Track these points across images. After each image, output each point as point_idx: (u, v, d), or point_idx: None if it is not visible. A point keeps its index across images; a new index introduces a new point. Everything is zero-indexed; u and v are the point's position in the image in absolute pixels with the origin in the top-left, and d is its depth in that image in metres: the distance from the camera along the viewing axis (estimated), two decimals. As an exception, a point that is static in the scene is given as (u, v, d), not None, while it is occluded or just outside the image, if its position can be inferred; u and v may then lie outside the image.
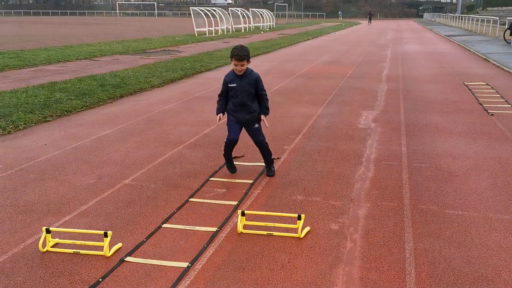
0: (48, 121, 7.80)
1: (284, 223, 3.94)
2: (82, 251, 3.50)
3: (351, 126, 7.38)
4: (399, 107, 8.84)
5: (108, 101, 9.48)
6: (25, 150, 6.15)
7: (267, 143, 5.14)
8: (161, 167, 5.49)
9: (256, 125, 5.04)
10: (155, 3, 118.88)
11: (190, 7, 34.26)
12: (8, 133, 7.01)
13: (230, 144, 5.04)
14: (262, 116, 5.02)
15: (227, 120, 5.06)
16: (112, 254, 3.46)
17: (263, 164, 5.53)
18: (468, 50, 21.15)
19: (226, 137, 5.07)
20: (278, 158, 5.80)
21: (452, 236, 3.75)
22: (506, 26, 23.27)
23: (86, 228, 3.88)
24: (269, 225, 3.88)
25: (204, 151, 6.12)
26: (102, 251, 3.45)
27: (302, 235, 3.76)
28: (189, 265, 3.34)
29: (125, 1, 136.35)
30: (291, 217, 4.01)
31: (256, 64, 16.10)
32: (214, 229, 3.90)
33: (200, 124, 7.58)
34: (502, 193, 4.64)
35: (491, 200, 4.46)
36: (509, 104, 8.89)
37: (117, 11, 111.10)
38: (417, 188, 4.77)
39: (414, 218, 4.08)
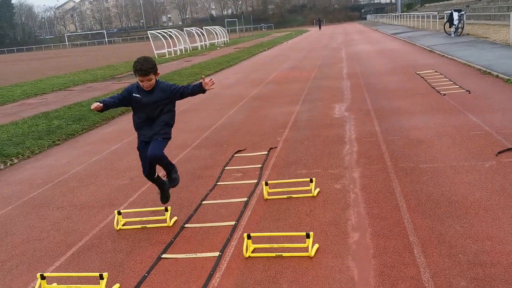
0: (58, 144, 8.58)
1: (299, 187, 5.00)
2: (148, 225, 4.44)
3: (328, 117, 8.54)
4: (365, 98, 10.09)
5: (102, 123, 10.31)
6: (53, 168, 6.97)
7: (162, 156, 4.36)
8: (180, 164, 6.43)
9: (159, 139, 4.32)
10: (105, 31, 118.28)
11: (148, 31, 35.10)
12: (28, 157, 7.77)
13: (148, 176, 4.56)
14: (203, 81, 4.26)
15: (137, 145, 4.51)
16: (173, 224, 4.42)
17: (266, 152, 6.58)
18: (414, 44, 22.97)
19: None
20: (275, 147, 6.85)
21: (428, 180, 4.91)
22: (445, 20, 25.30)
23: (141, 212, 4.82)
24: (287, 190, 4.93)
25: (210, 150, 7.10)
26: (165, 223, 4.41)
27: (315, 194, 4.82)
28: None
29: (71, 32, 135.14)
30: (304, 181, 5.06)
31: (224, 77, 17.22)
32: (245, 199, 4.91)
33: (196, 130, 8.56)
34: (461, 148, 5.86)
35: (453, 154, 5.67)
36: (457, 85, 10.28)
37: (66, 43, 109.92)
38: (394, 154, 5.93)
39: (397, 173, 5.22)
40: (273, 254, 3.67)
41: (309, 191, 4.88)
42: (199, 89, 4.35)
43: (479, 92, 9.24)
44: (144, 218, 4.54)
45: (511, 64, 11.91)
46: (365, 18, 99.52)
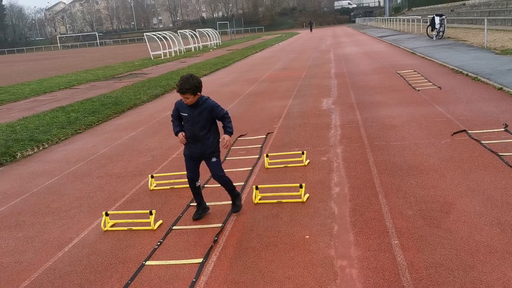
0: (80, 132, 9.76)
1: (293, 158, 6.25)
2: (176, 186, 5.67)
3: (317, 109, 9.81)
4: (349, 93, 11.38)
5: (115, 116, 11.49)
6: (82, 150, 8.15)
7: (227, 177, 4.70)
8: (192, 146, 7.66)
9: (214, 159, 4.59)
10: (96, 33, 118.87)
11: (144, 33, 36.20)
12: (56, 142, 8.94)
13: (191, 183, 4.66)
14: (226, 136, 4.51)
15: (184, 156, 4.69)
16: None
17: (264, 136, 7.82)
18: (398, 47, 24.39)
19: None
20: (272, 132, 8.09)
21: (396, 153, 6.18)
22: (428, 23, 26.77)
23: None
24: (284, 161, 6.18)
25: (216, 135, 8.31)
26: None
27: (306, 164, 6.07)
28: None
29: (62, 34, 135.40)
30: (297, 154, 6.32)
31: (220, 77, 18.45)
32: (250, 168, 6.15)
33: (202, 121, 9.76)
34: (425, 131, 7.16)
35: (418, 136, 6.95)
36: (430, 83, 11.61)
37: (58, 44, 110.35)
38: (371, 135, 7.21)
39: (372, 148, 6.50)
40: (275, 201, 4.92)
41: (301, 161, 6.13)
42: (224, 129, 4.57)
43: (449, 88, 10.57)
44: (172, 181, 5.77)
45: (481, 65, 13.29)
46: (354, 21, 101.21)
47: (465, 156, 5.80)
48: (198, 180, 4.68)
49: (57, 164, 7.39)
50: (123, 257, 4.04)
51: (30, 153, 8.23)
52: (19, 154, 8.04)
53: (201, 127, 4.41)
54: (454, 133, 6.83)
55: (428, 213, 4.25)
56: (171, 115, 4.64)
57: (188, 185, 5.55)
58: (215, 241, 4.13)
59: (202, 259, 3.83)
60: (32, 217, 5.21)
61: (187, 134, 4.48)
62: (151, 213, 4.51)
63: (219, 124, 4.59)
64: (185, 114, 4.42)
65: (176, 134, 4.56)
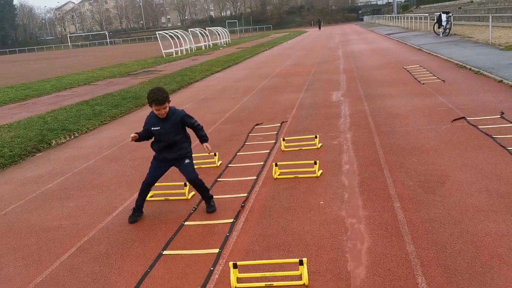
0: (106, 123, 10.48)
1: (306, 142, 6.92)
2: (202, 166, 6.36)
3: (327, 101, 10.46)
4: (357, 87, 12.02)
5: (136, 109, 12.21)
6: (111, 138, 8.87)
7: (200, 179, 4.80)
8: (213, 134, 8.35)
9: (187, 161, 4.75)
10: (106, 32, 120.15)
11: (156, 32, 37.00)
12: (85, 132, 9.68)
13: (146, 184, 4.76)
14: (205, 144, 4.79)
15: (152, 159, 4.91)
16: (219, 165, 6.33)
17: (279, 124, 8.49)
18: (405, 44, 24.93)
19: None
20: (286, 121, 8.76)
21: (400, 137, 6.83)
22: (435, 21, 27.26)
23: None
24: (299, 144, 6.84)
25: (234, 124, 9.01)
26: (214, 164, 6.32)
27: (319, 147, 6.74)
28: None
29: (72, 33, 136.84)
30: (310, 137, 6.99)
31: (232, 73, 19.13)
32: (268, 150, 6.83)
33: (219, 112, 10.47)
34: (427, 119, 7.79)
35: (421, 122, 7.59)
36: (435, 77, 12.21)
37: (69, 43, 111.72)
38: (378, 123, 7.85)
39: (378, 133, 7.14)
40: (292, 176, 5.60)
41: (314, 144, 6.80)
42: (200, 138, 4.85)
43: (452, 81, 11.18)
44: (199, 160, 6.46)
45: (484, 60, 13.86)
46: (362, 19, 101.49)
47: (462, 138, 6.44)
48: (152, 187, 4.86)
49: (91, 149, 8.12)
50: (164, 219, 4.74)
51: (63, 141, 8.97)
52: (54, 141, 8.78)
53: (177, 133, 4.63)
54: (454, 119, 7.46)
55: (426, 183, 4.90)
56: (140, 132, 4.74)
57: (210, 165, 6.30)
58: (242, 207, 4.81)
59: (232, 219, 4.52)
60: (78, 191, 5.93)
61: (162, 145, 4.66)
62: (185, 185, 5.20)
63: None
64: (157, 128, 4.56)
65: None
